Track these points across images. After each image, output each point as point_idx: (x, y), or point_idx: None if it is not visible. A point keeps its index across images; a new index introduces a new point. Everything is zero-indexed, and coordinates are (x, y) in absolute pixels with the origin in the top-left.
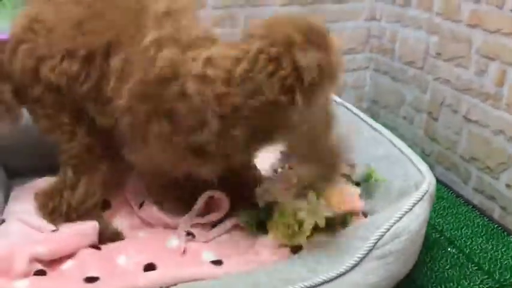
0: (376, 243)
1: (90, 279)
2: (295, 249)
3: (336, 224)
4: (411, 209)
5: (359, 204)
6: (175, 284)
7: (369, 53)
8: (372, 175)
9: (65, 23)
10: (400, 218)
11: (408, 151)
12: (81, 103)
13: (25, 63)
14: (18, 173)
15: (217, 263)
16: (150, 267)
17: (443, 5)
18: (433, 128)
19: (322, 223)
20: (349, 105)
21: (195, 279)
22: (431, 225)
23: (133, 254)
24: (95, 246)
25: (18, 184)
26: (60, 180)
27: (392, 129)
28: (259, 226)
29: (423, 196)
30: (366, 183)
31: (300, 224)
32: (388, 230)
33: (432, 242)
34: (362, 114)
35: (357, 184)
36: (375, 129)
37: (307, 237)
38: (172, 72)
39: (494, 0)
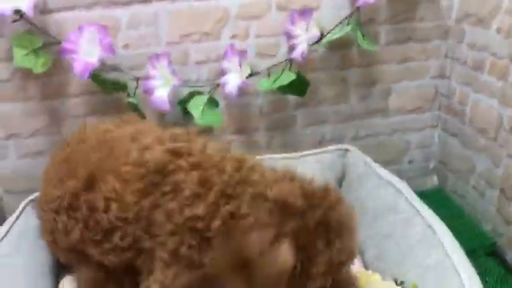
0: None
1: None
2: None
3: None
4: None
5: None
6: None
7: (437, 111)
8: None
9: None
10: None
11: (462, 262)
12: None
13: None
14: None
15: None
16: None
17: None
18: (506, 208)
19: None
20: (408, 193)
21: None
22: None
23: None
24: None
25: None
26: None
27: (461, 196)
28: None
29: None
30: None
31: None
32: None
33: None
34: (418, 204)
35: None
36: (430, 226)
37: None
38: None
39: None
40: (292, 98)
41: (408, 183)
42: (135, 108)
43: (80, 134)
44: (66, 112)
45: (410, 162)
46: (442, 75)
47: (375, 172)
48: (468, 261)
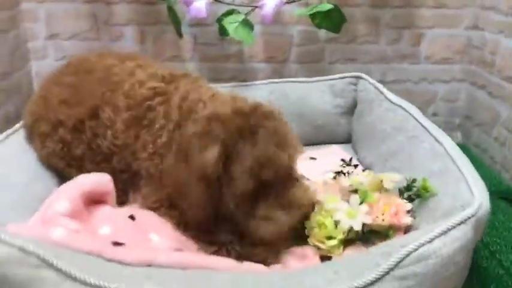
0: (399, 262)
1: (116, 244)
2: (325, 259)
3: (374, 235)
4: (447, 232)
5: (405, 219)
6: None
7: (467, 64)
8: (425, 189)
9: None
10: (432, 239)
11: (467, 169)
12: None
13: None
14: None
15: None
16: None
17: None
18: None
19: (357, 226)
20: (415, 113)
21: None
22: (490, 251)
23: (166, 237)
24: (131, 216)
25: None
26: None
27: (484, 150)
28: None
29: (466, 220)
30: (419, 199)
31: (337, 225)
32: (416, 250)
33: (484, 270)
34: (427, 123)
35: (410, 199)
36: (437, 140)
37: (343, 247)
38: None
39: None
40: (323, 32)
41: None
42: (174, 18)
43: (87, 63)
44: (106, 19)
45: (434, 114)
46: (475, 26)
47: (386, 97)
48: (474, 169)
